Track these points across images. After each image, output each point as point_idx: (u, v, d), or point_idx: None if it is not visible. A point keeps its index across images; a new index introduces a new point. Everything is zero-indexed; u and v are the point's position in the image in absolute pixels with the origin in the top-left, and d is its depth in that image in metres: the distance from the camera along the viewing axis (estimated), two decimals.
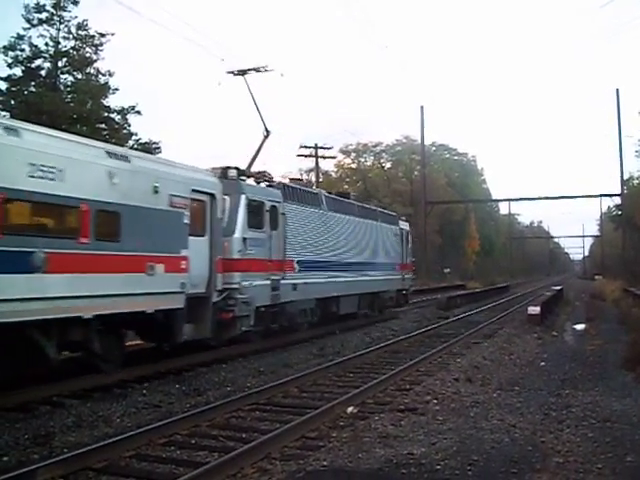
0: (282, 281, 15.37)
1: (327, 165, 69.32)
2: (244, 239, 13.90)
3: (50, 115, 30.66)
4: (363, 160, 76.30)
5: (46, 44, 34.47)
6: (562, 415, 8.27)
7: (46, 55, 34.61)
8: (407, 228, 26.97)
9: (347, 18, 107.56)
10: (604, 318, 22.61)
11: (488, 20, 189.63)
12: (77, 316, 9.62)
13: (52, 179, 9.22)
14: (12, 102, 33.20)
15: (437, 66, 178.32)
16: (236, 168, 14.58)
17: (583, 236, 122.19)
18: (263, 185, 15.70)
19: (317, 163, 46.46)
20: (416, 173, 69.97)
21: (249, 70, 17.02)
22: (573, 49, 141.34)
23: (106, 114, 35.70)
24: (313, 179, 48.90)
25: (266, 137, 17.26)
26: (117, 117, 36.08)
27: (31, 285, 8.81)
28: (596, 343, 15.49)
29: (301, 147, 44.01)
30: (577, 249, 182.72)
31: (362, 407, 9.05)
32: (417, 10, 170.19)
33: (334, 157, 53.17)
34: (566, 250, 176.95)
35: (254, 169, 16.41)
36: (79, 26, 34.95)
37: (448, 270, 62.25)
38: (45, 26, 34.40)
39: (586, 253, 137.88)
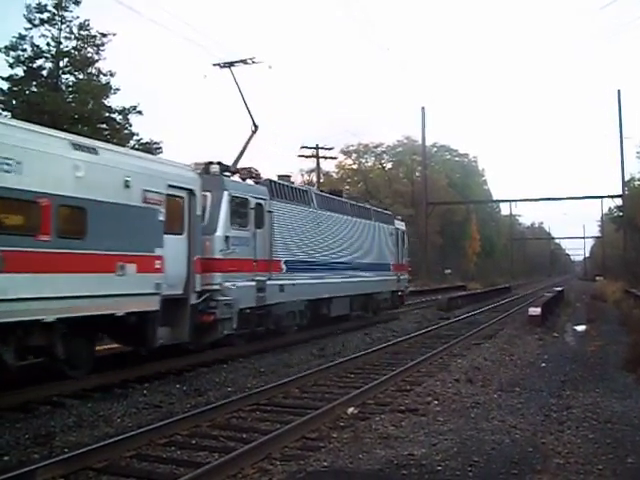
0: (268, 282, 14.80)
1: (328, 166, 69.41)
2: (226, 238, 13.32)
3: (51, 115, 30.66)
4: (364, 161, 76.32)
5: (48, 44, 34.47)
6: (563, 416, 8.27)
7: (48, 55, 34.59)
8: (403, 228, 26.43)
9: (348, 18, 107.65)
10: (605, 319, 22.61)
11: (489, 21, 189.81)
12: (37, 319, 8.99)
13: (7, 171, 8.58)
14: (14, 102, 33.18)
15: (438, 67, 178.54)
16: (219, 163, 14.05)
17: (584, 237, 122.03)
18: (250, 182, 15.07)
19: (318, 164, 46.45)
20: (417, 174, 70.03)
21: (236, 62, 16.49)
22: (574, 50, 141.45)
23: (107, 114, 35.66)
24: (314, 179, 48.92)
25: (254, 132, 16.68)
26: (118, 117, 36.05)
27: None
28: (597, 344, 15.49)
29: (302, 148, 44.04)
30: (578, 250, 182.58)
31: (363, 408, 9.05)
32: (418, 11, 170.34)
33: (335, 158, 53.16)
34: (567, 251, 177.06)
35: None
36: (81, 26, 34.92)
37: (449, 271, 62.23)
38: (47, 26, 34.36)
39: (587, 254, 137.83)
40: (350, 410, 8.77)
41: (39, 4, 34.05)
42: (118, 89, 36.07)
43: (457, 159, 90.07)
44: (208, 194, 13.20)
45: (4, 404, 8.77)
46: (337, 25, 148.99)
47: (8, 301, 8.49)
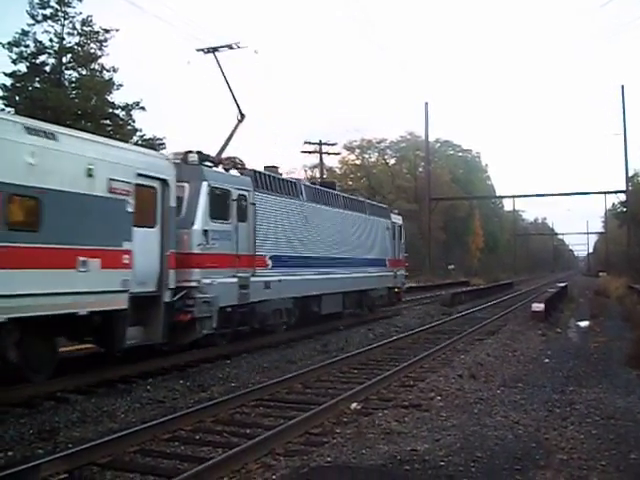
0: (252, 278, 13.95)
1: (331, 161, 69.31)
2: (205, 231, 12.48)
3: (54, 111, 30.71)
4: (367, 156, 76.24)
5: (51, 40, 34.52)
6: (566, 412, 8.26)
7: (51, 51, 34.62)
8: (400, 222, 25.50)
9: (348, 15, 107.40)
10: (608, 315, 22.59)
11: (492, 17, 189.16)
12: None
13: None
14: (17, 98, 33.25)
15: (441, 62, 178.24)
16: (198, 152, 13.21)
17: (587, 233, 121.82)
18: (234, 172, 14.19)
19: (321, 159, 46.47)
20: (420, 169, 69.97)
21: (221, 47, 15.68)
22: (575, 46, 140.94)
23: (110, 110, 35.71)
24: (317, 175, 48.91)
25: (240, 121, 15.81)
26: (121, 113, 36.10)
27: None
28: (600, 340, 15.47)
29: (305, 143, 44.04)
30: (581, 246, 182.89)
31: (366, 403, 9.05)
32: (421, 6, 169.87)
33: (338, 153, 53.19)
34: (570, 247, 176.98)
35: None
36: (84, 22, 34.95)
37: (452, 266, 62.22)
38: (50, 22, 34.42)
39: (590, 250, 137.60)
40: (353, 405, 8.78)
41: (42, 0, 34.07)
42: (121, 85, 36.19)
43: (460, 155, 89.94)
44: (186, 185, 12.47)
45: (8, 399, 8.78)
46: (338, 21, 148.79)
47: None
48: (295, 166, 68.11)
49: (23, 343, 9.06)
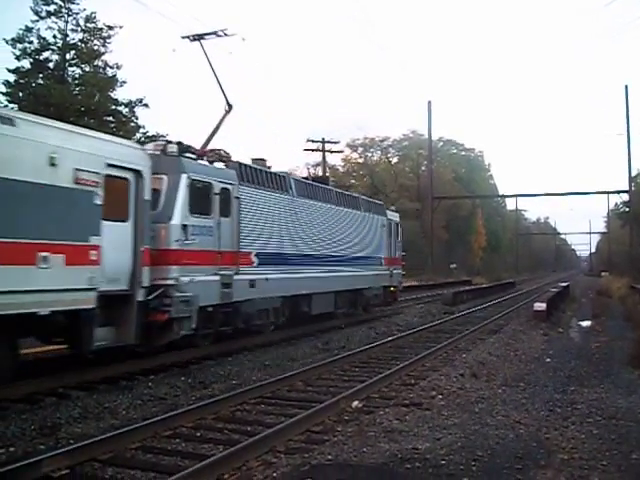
0: (235, 276, 13.24)
1: (334, 160, 69.33)
2: (184, 226, 11.79)
3: (58, 107, 30.79)
4: (370, 155, 76.30)
5: (54, 36, 34.62)
6: (567, 412, 8.26)
7: (54, 47, 34.71)
8: (396, 219, 24.68)
9: (348, 15, 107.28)
10: (610, 315, 22.56)
11: (495, 16, 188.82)
12: None
13: None
14: (20, 94, 33.31)
15: (444, 61, 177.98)
16: (178, 143, 12.57)
17: (590, 233, 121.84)
18: (218, 165, 13.54)
19: (324, 157, 46.51)
20: (423, 168, 69.92)
21: (207, 35, 14.99)
22: (579, 45, 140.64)
23: (114, 107, 35.80)
24: (320, 173, 48.88)
25: (227, 112, 15.10)
26: (125, 110, 36.16)
27: None
28: (602, 340, 15.46)
29: (308, 141, 44.02)
30: (584, 246, 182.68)
31: (367, 401, 9.05)
32: (422, 5, 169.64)
33: (341, 152, 53.15)
34: (573, 247, 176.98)
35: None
36: (87, 18, 35.04)
37: (454, 265, 62.16)
38: (53, 18, 34.52)
39: (593, 250, 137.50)
40: (355, 404, 8.78)
41: None
42: (124, 82, 36.27)
43: (463, 154, 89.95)
44: (164, 177, 11.82)
45: (10, 395, 8.80)
46: (340, 20, 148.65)
47: None
48: (298, 164, 67.97)
49: None
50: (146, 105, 36.41)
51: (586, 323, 19.72)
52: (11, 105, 31.31)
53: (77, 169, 9.42)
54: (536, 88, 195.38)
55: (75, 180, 9.40)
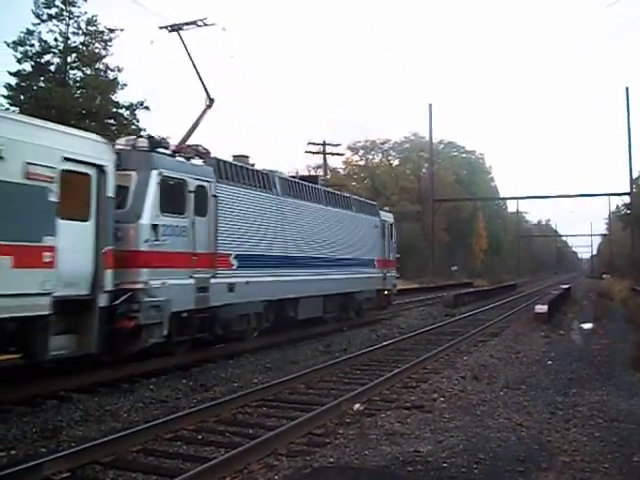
0: (212, 280, 12.49)
1: (335, 162, 69.38)
2: (154, 226, 11.03)
3: (59, 110, 30.81)
4: (371, 157, 76.35)
5: (55, 39, 34.64)
6: (569, 414, 8.24)
7: (55, 50, 34.74)
8: (391, 220, 23.79)
9: (349, 14, 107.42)
10: (612, 317, 22.52)
11: (496, 17, 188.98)
12: None
13: None
14: (22, 97, 33.34)
15: (444, 63, 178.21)
16: (149, 137, 11.98)
17: (591, 235, 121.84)
18: (195, 161, 12.84)
19: (325, 160, 46.53)
20: (424, 170, 69.91)
21: (186, 24, 14.06)
22: (579, 47, 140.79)
23: (115, 109, 35.83)
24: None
25: (209, 106, 14.29)
26: (126, 113, 36.20)
27: None
28: (603, 342, 15.44)
29: (309, 144, 44.02)
30: (585, 248, 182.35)
31: (368, 404, 9.04)
32: (425, 6, 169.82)
33: (342, 154, 53.18)
34: (574, 249, 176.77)
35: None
36: (88, 22, 35.07)
37: (455, 268, 62.16)
38: (55, 21, 34.54)
39: (594, 252, 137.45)
40: (356, 406, 8.77)
41: None
42: (125, 85, 36.31)
43: (464, 156, 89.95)
44: (133, 173, 11.10)
45: (11, 398, 8.80)
46: (340, 22, 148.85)
47: None
48: (298, 166, 68.15)
49: None
50: (147, 108, 36.47)
51: (587, 325, 19.69)
52: (12, 108, 31.33)
53: (28, 163, 8.66)
54: (537, 89, 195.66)
55: (26, 175, 8.62)
